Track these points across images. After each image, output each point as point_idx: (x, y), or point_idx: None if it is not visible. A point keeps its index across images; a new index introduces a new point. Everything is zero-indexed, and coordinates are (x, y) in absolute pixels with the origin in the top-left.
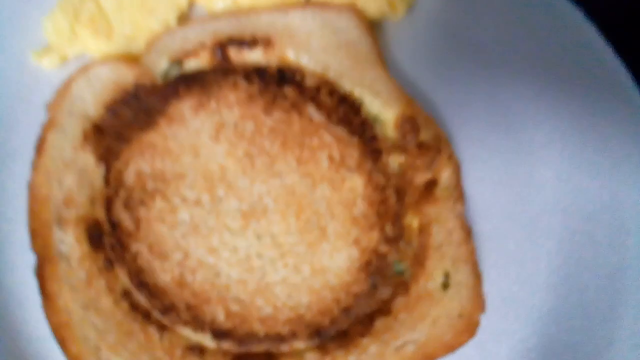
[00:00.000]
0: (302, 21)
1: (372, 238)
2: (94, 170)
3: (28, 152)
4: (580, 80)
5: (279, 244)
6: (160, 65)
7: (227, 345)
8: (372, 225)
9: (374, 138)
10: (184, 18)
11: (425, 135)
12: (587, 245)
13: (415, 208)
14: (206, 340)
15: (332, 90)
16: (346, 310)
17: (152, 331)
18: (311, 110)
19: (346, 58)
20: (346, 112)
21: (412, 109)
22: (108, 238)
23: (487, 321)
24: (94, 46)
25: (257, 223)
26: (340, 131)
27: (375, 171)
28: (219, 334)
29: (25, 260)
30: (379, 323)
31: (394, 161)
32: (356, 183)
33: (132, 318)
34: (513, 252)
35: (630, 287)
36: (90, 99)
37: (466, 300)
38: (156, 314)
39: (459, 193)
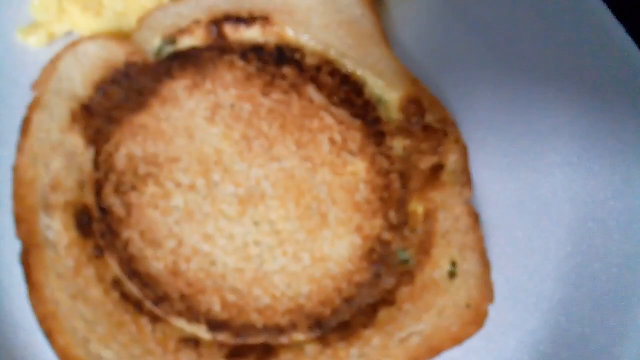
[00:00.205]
0: None
1: (375, 225)
2: (82, 153)
3: (13, 134)
4: (590, 62)
5: (278, 231)
6: (152, 42)
7: (223, 336)
8: (375, 211)
9: (377, 120)
10: None
11: (430, 118)
12: (598, 232)
13: (421, 193)
14: (201, 331)
15: (333, 70)
16: (348, 300)
17: (144, 322)
18: (311, 91)
19: (348, 36)
20: (348, 93)
21: (417, 90)
22: (97, 224)
23: (494, 312)
24: (82, 23)
25: (255, 209)
26: (342, 113)
27: (379, 155)
28: (215, 325)
29: (9, 247)
30: (383, 314)
31: (398, 144)
32: (358, 167)
33: (123, 308)
34: (521, 240)
35: None
36: (79, 77)
37: (474, 290)
38: (148, 304)
39: (466, 178)
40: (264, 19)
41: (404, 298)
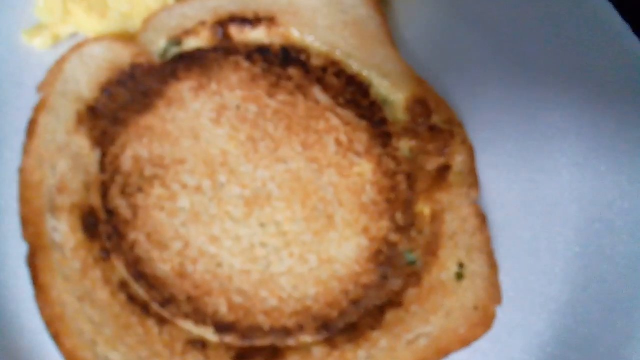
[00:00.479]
0: None
1: (382, 226)
2: (88, 154)
3: (18, 136)
4: (596, 62)
5: (284, 233)
6: (157, 44)
7: (229, 338)
8: (382, 212)
9: (383, 121)
10: None
11: (437, 118)
12: (605, 233)
13: (427, 195)
14: (208, 333)
15: (339, 70)
16: (355, 302)
17: (151, 324)
18: (317, 92)
19: (353, 37)
20: (354, 93)
21: (423, 91)
22: (104, 226)
23: (501, 313)
24: (87, 24)
25: (261, 210)
26: (348, 114)
27: (385, 156)
28: (222, 327)
29: (16, 249)
30: (390, 315)
31: (405, 145)
32: (365, 168)
33: (130, 310)
34: (528, 241)
35: None
36: (84, 79)
37: (481, 291)
38: (155, 306)
39: (473, 179)
40: (269, 20)
41: (411, 300)
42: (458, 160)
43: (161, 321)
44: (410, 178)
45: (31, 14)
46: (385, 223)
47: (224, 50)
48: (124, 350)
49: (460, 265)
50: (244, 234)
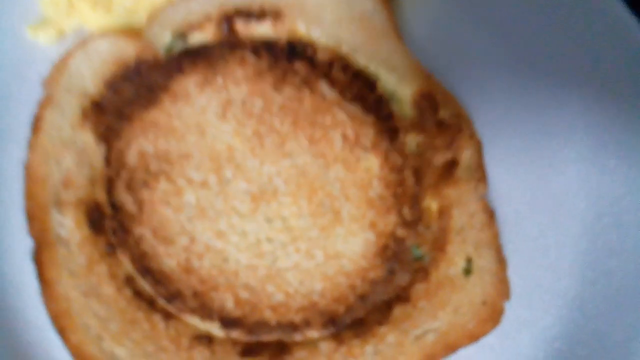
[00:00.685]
0: None
1: (389, 221)
2: (93, 150)
3: (24, 131)
4: (605, 57)
5: (290, 228)
6: (163, 39)
7: (236, 334)
8: (389, 208)
9: (390, 116)
10: None
11: (444, 113)
12: (613, 229)
13: (435, 190)
14: (214, 329)
15: (346, 65)
16: (362, 297)
17: (157, 320)
18: (323, 87)
19: (360, 31)
20: (360, 88)
21: (431, 85)
22: (109, 221)
23: (509, 309)
24: (92, 19)
25: (267, 206)
26: (355, 109)
27: (392, 151)
28: (228, 322)
29: (22, 245)
30: (398, 311)
31: (412, 140)
32: (372, 163)
33: (136, 306)
34: (536, 237)
35: None
36: (89, 74)
37: (490, 287)
38: (161, 302)
39: (480, 174)
40: (275, 14)
41: (419, 295)
42: (466, 156)
43: (167, 316)
44: (418, 173)
45: (36, 9)
46: (392, 218)
47: (229, 45)
48: (130, 345)
49: (469, 260)
50: (251, 230)
